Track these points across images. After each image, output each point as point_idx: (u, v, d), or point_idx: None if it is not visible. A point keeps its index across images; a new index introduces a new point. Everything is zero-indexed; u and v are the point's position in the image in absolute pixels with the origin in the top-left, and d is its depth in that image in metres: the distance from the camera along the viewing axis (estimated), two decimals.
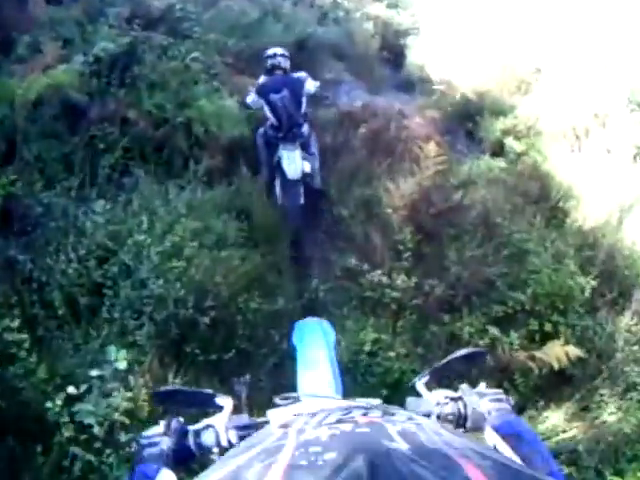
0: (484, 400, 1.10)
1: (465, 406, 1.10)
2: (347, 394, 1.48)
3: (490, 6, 11.20)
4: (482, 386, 1.18)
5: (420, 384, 1.18)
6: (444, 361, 1.17)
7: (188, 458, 1.05)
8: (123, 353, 3.18)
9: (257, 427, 1.06)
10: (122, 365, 3.13)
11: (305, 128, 4.50)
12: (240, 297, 3.77)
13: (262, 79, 4.69)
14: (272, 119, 4.40)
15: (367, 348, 3.71)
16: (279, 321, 3.79)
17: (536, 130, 7.93)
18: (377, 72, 9.91)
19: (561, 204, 5.73)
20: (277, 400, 1.07)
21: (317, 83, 4.68)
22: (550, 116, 7.85)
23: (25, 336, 3.33)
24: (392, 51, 10.80)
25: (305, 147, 4.49)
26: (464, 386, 1.15)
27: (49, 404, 2.94)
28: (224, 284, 3.68)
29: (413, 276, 4.12)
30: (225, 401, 1.11)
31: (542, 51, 9.46)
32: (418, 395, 1.18)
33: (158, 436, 1.03)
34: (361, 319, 3.99)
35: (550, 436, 3.52)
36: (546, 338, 4.07)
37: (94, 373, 3.07)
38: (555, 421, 3.64)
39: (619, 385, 3.95)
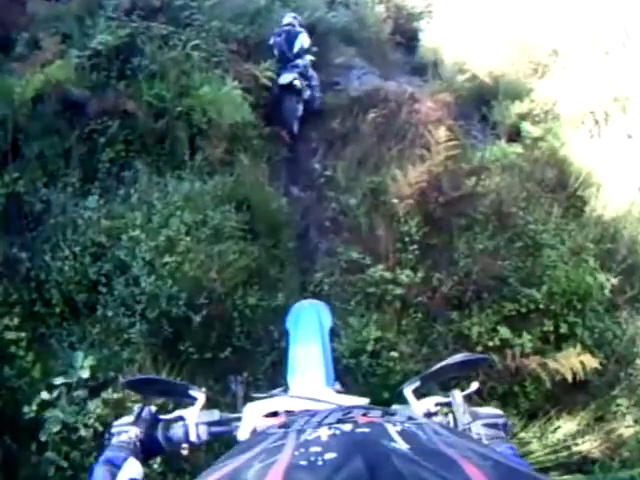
0: (477, 423, 0.96)
1: (455, 423, 0.99)
2: (347, 391, 1.40)
3: None
4: (474, 385, 1.03)
5: (408, 390, 1.06)
6: (438, 366, 1.05)
7: (156, 450, 1.01)
8: (89, 360, 3.03)
9: (228, 423, 1.03)
10: (85, 374, 2.98)
11: (299, 63, 5.84)
12: (237, 293, 3.55)
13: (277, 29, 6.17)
14: (276, 54, 5.91)
15: (369, 347, 3.44)
16: (279, 317, 3.45)
17: (554, 114, 7.55)
18: (389, 56, 9.54)
19: (580, 192, 5.26)
20: (255, 395, 1.04)
21: (309, 41, 6.12)
22: (568, 100, 7.44)
23: (23, 334, 3.20)
24: (405, 35, 10.40)
25: (304, 77, 5.79)
26: (456, 393, 1.02)
27: (26, 408, 2.82)
28: (219, 279, 3.47)
29: (419, 270, 3.80)
30: (199, 394, 1.03)
31: (559, 32, 9.01)
32: (405, 402, 1.06)
33: (128, 425, 0.97)
34: (365, 315, 3.70)
35: (560, 448, 3.22)
36: (562, 340, 3.70)
37: (59, 381, 2.93)
38: (567, 431, 3.31)
39: (638, 395, 3.60)
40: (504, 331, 3.58)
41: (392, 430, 0.55)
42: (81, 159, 4.32)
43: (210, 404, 1.06)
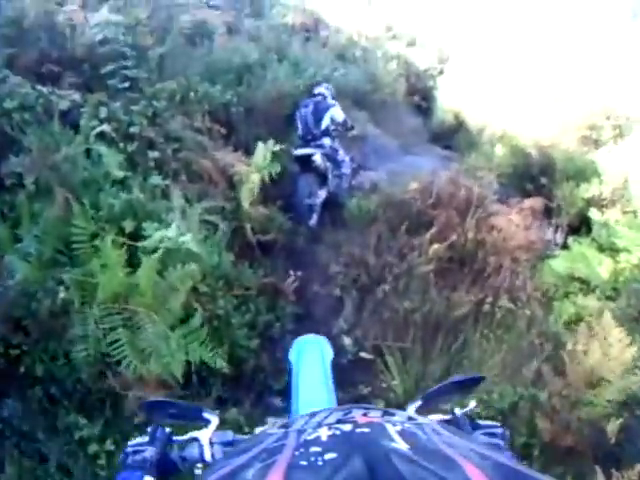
0: (477, 433, 0.85)
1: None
2: None
3: (530, 35, 8.50)
4: (472, 404, 0.92)
5: (411, 410, 0.89)
6: (437, 387, 0.91)
7: (171, 470, 0.86)
8: None
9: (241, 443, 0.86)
10: None
11: (326, 142, 4.15)
12: None
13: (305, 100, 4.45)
14: (299, 129, 4.22)
15: None
16: None
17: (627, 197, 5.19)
18: (405, 121, 7.22)
19: None
20: (269, 419, 0.98)
21: (343, 115, 4.37)
22: None
23: None
24: (419, 95, 8.12)
25: (331, 160, 4.13)
26: (457, 411, 0.88)
27: None
28: None
29: None
30: (212, 416, 0.88)
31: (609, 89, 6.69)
32: None
33: (143, 445, 0.83)
34: None
35: None
36: None
37: None
38: None
39: None
40: None
41: (392, 430, 0.49)
42: None
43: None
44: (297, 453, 0.45)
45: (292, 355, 1.58)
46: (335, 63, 6.71)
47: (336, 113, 4.28)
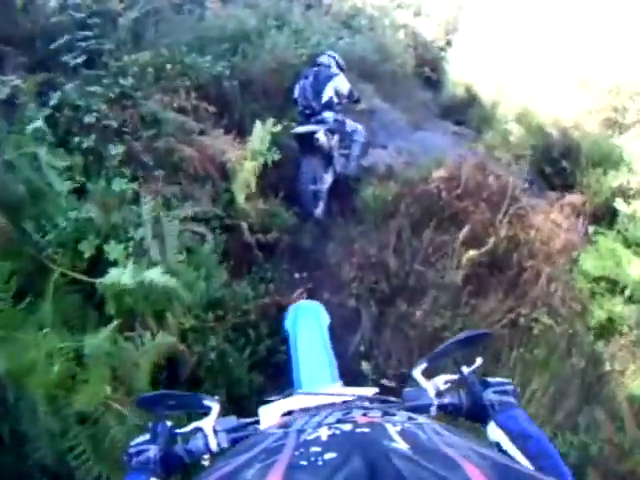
0: (488, 391, 0.81)
1: (466, 395, 0.83)
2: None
3: (548, 6, 7.82)
4: (479, 361, 0.84)
5: (417, 372, 0.88)
6: (443, 346, 0.86)
7: (178, 465, 0.80)
8: None
9: (247, 427, 0.85)
10: None
11: (327, 116, 3.50)
12: None
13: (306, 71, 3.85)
14: (298, 104, 3.62)
15: None
16: None
17: None
18: (414, 94, 6.62)
19: None
20: (270, 397, 0.90)
21: (349, 86, 3.74)
22: None
23: None
24: (428, 67, 7.49)
25: (339, 134, 3.58)
26: (465, 369, 0.83)
27: None
28: None
29: None
30: (213, 403, 0.84)
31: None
32: (416, 384, 0.87)
33: (146, 444, 0.78)
34: None
35: None
36: None
37: None
38: None
39: None
40: None
41: (392, 430, 0.47)
42: None
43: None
44: (297, 453, 0.43)
45: (288, 322, 1.51)
46: (340, 32, 6.09)
47: (340, 83, 3.71)
